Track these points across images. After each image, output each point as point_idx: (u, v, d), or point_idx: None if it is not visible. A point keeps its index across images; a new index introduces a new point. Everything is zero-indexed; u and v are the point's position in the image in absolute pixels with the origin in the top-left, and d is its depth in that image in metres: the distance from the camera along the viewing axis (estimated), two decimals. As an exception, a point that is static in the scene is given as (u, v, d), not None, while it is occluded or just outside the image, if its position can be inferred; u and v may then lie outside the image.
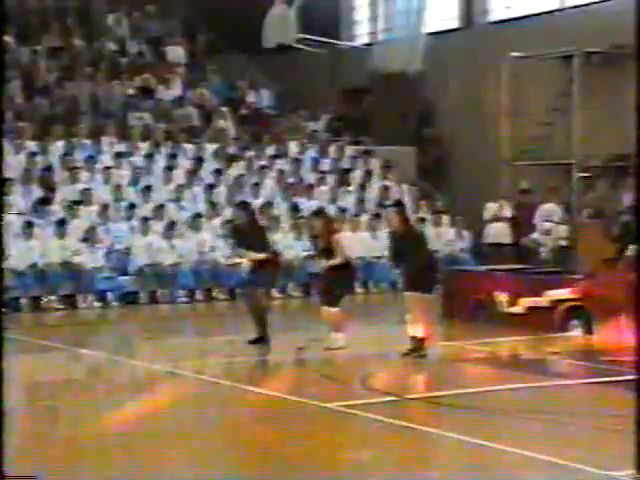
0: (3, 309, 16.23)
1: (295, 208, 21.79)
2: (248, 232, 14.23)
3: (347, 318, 13.75)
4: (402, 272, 13.66)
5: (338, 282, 13.59)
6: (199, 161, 22.48)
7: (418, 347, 12.98)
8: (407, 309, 13.18)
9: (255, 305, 14.12)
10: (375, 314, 19.31)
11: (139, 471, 8.09)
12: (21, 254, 18.35)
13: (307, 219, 16.85)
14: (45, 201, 19.72)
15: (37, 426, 9.81)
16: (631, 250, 14.79)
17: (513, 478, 8.10)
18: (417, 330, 13.00)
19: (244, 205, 15.20)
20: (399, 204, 14.21)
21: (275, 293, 20.12)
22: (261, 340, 13.92)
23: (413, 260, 13.04)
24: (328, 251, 13.58)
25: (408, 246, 13.10)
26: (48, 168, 20.71)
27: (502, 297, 15.80)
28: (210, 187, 21.57)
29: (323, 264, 13.74)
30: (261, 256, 14.00)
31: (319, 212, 14.91)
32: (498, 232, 21.80)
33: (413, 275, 13.11)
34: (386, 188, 23.37)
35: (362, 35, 28.45)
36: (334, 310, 13.45)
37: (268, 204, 20.96)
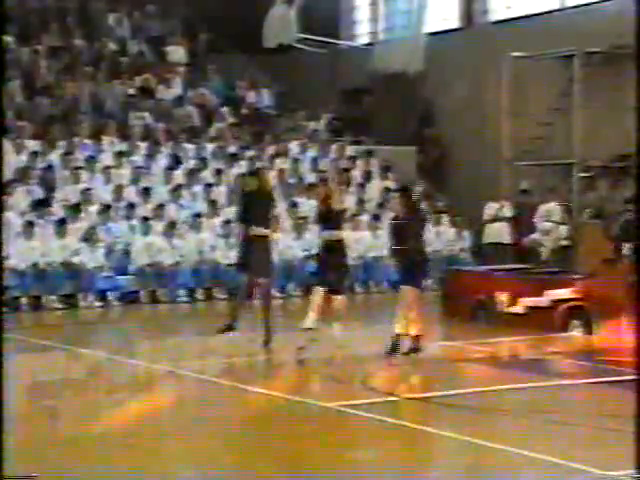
0: (3, 309, 16.30)
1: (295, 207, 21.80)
2: (258, 201, 13.86)
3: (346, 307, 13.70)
4: (397, 260, 13.53)
5: (336, 269, 13.45)
6: (200, 161, 22.49)
7: (417, 345, 12.96)
8: (404, 305, 13.13)
9: (262, 305, 13.98)
10: (375, 314, 19.31)
11: (139, 471, 8.09)
12: (22, 254, 18.37)
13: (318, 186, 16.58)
14: (45, 201, 19.73)
15: (37, 426, 9.81)
16: (629, 250, 14.79)
17: (513, 478, 8.10)
18: (414, 328, 12.96)
19: (258, 171, 14.94)
20: (404, 189, 14.18)
21: (275, 293, 20.20)
22: (269, 341, 13.77)
23: (408, 244, 13.01)
24: (327, 217, 13.40)
25: (405, 229, 13.07)
26: (49, 168, 20.71)
27: (502, 297, 15.80)
28: (210, 186, 21.56)
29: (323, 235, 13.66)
30: (265, 232, 13.79)
31: (325, 180, 14.93)
32: (498, 232, 21.79)
33: (410, 266, 13.09)
34: (386, 189, 23.40)
35: (362, 35, 28.44)
36: (340, 298, 13.38)
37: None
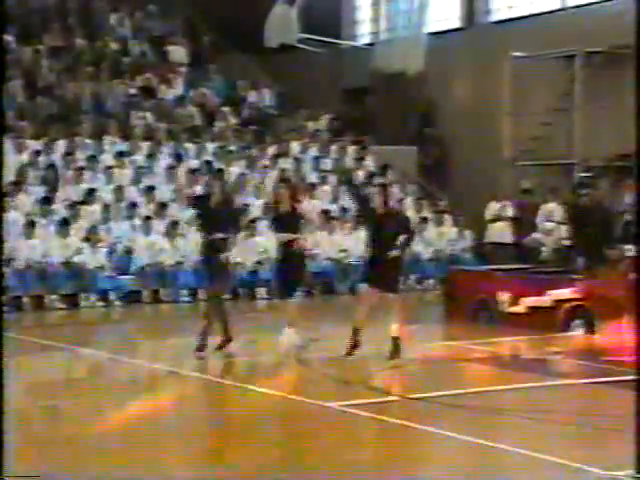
0: (4, 308, 16.25)
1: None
2: (219, 206, 13.42)
3: (301, 312, 13.47)
4: (373, 261, 13.03)
5: (294, 272, 13.29)
6: (201, 161, 22.50)
7: (397, 348, 12.75)
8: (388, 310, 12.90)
9: (215, 308, 13.49)
10: (375, 314, 19.27)
11: (140, 471, 8.09)
12: (23, 253, 18.38)
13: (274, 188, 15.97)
14: (47, 200, 19.74)
15: (38, 426, 9.82)
16: (630, 250, 14.80)
17: (514, 478, 8.10)
18: (396, 330, 12.76)
19: (221, 175, 14.43)
20: (383, 185, 14.08)
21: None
22: (225, 344, 13.38)
23: (389, 246, 12.70)
24: (287, 218, 13.22)
25: (387, 228, 12.77)
26: (50, 167, 20.71)
27: (504, 297, 15.80)
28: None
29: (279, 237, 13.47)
30: (222, 235, 13.28)
31: (286, 180, 14.74)
32: (500, 232, 21.79)
33: (383, 269, 12.76)
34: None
35: (364, 35, 28.44)
36: (292, 303, 13.26)
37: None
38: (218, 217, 13.35)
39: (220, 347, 13.35)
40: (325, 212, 21.74)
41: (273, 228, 14.31)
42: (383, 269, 12.79)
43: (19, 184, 19.66)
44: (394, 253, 12.72)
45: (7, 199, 18.49)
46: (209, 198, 13.69)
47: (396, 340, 12.78)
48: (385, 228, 12.82)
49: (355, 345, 12.89)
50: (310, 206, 20.73)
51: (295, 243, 13.30)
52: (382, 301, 12.94)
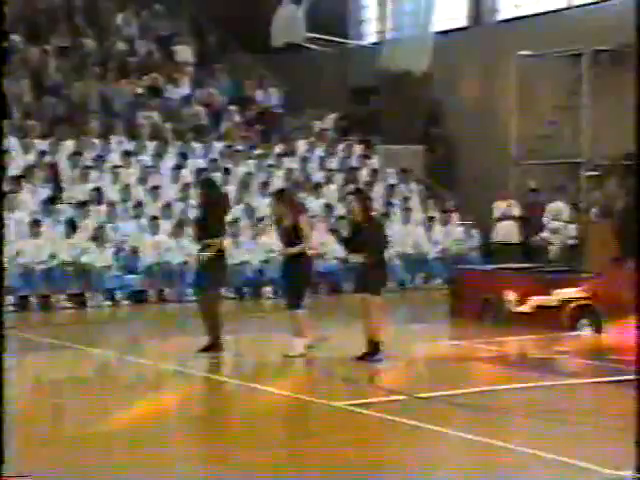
0: (9, 308, 16.28)
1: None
2: (210, 213, 13.30)
3: (310, 321, 13.20)
4: (355, 266, 12.97)
5: (298, 281, 13.07)
6: (207, 160, 22.51)
7: (373, 351, 12.53)
8: (361, 312, 12.68)
9: (207, 310, 13.33)
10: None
11: (143, 470, 8.09)
12: (30, 253, 18.41)
13: (271, 198, 15.60)
14: (54, 200, 19.76)
15: (44, 425, 9.82)
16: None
17: (518, 476, 8.10)
18: (373, 334, 12.55)
19: (210, 182, 14.38)
20: (359, 191, 14.03)
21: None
22: (211, 348, 13.15)
23: (367, 252, 12.49)
24: (293, 230, 12.88)
25: (364, 237, 12.57)
26: (57, 167, 20.73)
27: (511, 296, 15.79)
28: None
29: (282, 249, 13.34)
30: (217, 241, 13.16)
31: (282, 191, 14.70)
32: (507, 231, 21.77)
33: (365, 273, 12.61)
34: (391, 186, 23.46)
35: (370, 34, 28.45)
36: (299, 313, 12.97)
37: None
38: (206, 223, 13.25)
39: (205, 349, 13.12)
40: (327, 205, 21.76)
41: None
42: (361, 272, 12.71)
43: (22, 178, 19.66)
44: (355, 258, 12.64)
45: (10, 196, 18.49)
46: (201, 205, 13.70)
47: (371, 343, 12.55)
48: (355, 236, 12.68)
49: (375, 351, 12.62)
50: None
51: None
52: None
